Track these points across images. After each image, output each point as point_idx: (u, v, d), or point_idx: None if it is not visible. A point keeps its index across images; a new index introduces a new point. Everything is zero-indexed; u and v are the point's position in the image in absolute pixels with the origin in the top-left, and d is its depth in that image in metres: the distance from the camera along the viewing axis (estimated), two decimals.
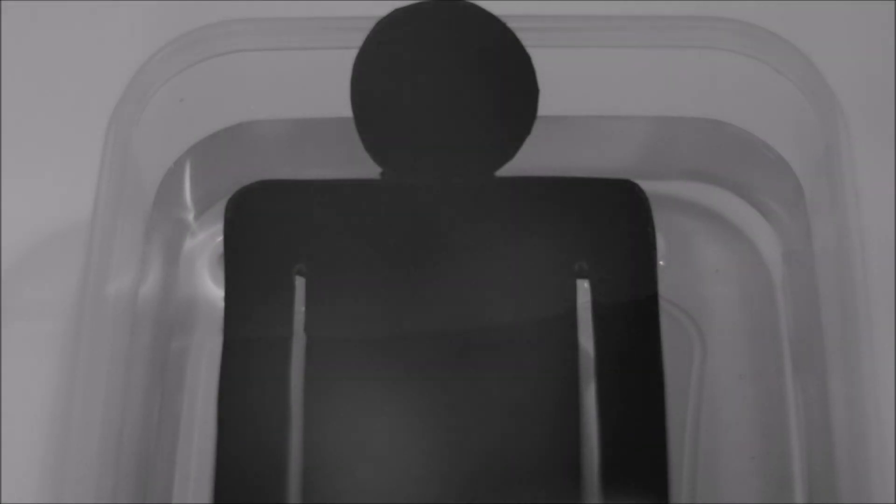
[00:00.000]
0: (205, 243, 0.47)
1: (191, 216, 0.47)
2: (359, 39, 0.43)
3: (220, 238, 0.45)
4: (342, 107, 0.44)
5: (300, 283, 0.44)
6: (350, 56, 0.43)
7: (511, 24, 0.43)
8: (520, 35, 0.43)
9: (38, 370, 0.45)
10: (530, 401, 0.42)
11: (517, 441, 0.42)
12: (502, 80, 0.44)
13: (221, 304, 0.44)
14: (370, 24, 0.43)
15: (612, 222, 0.44)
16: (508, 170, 0.44)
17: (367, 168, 0.44)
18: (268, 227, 0.44)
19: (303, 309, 0.44)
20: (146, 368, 0.44)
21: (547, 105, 0.44)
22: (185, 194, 0.47)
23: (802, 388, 0.44)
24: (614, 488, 0.42)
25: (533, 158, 0.44)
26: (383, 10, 0.43)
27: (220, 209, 0.45)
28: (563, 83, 0.44)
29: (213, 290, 0.46)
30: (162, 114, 0.44)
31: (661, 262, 0.45)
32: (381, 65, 0.43)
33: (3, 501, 0.44)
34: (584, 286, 0.44)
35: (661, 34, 0.44)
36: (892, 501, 0.39)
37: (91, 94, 0.49)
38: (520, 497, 0.41)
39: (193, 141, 0.46)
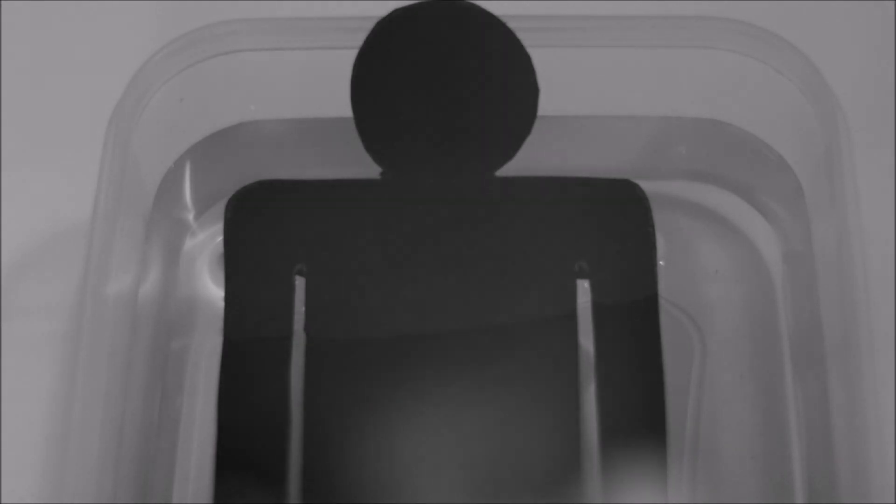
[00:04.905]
0: (205, 243, 0.47)
1: (191, 216, 0.47)
2: (359, 39, 0.43)
3: (220, 238, 0.45)
4: (342, 107, 0.44)
5: (300, 283, 0.44)
6: (350, 56, 0.43)
7: (511, 24, 0.43)
8: (520, 35, 0.43)
9: (39, 370, 0.45)
10: (530, 400, 0.42)
11: (517, 441, 0.42)
12: (502, 80, 0.44)
13: (221, 304, 0.44)
14: (370, 24, 0.43)
15: (612, 222, 0.44)
16: (508, 170, 0.44)
17: (367, 168, 0.44)
18: (268, 227, 0.44)
19: (303, 309, 0.44)
20: (146, 368, 0.44)
21: (547, 105, 0.44)
22: (185, 194, 0.47)
23: (802, 388, 0.44)
24: (614, 488, 0.42)
25: (533, 158, 0.44)
26: (383, 10, 0.43)
27: (220, 209, 0.45)
28: (563, 83, 0.44)
29: (213, 290, 0.46)
30: (162, 114, 0.44)
31: (661, 262, 0.45)
32: (381, 65, 0.43)
33: (3, 501, 0.44)
34: (584, 286, 0.44)
35: (661, 34, 0.44)
36: (893, 501, 0.39)
37: (91, 94, 0.49)
38: (520, 496, 0.41)
39: (193, 141, 0.46)
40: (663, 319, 0.43)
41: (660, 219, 0.45)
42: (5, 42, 0.51)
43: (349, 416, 0.42)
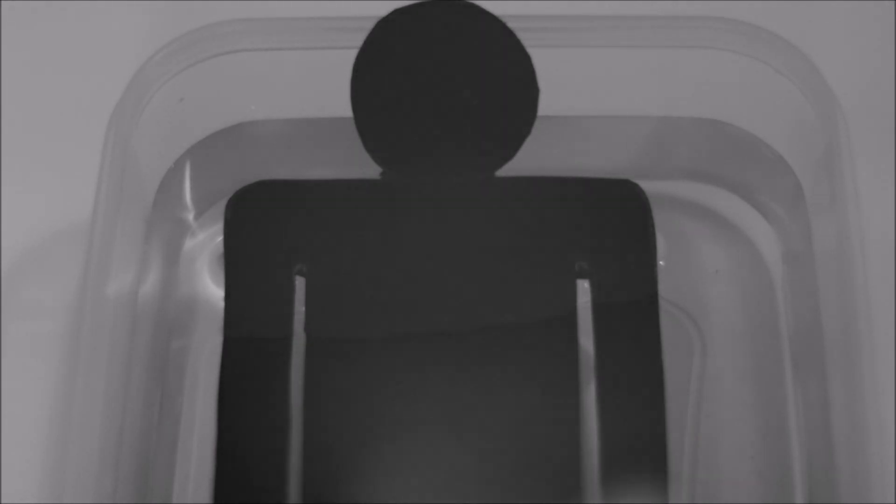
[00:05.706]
0: (205, 243, 0.47)
1: (191, 216, 0.47)
2: (359, 39, 0.43)
3: (220, 238, 0.45)
4: (342, 107, 0.44)
5: (300, 283, 0.44)
6: (350, 56, 0.43)
7: (511, 24, 0.43)
8: (520, 35, 0.43)
9: (39, 370, 0.45)
10: (530, 401, 0.42)
11: (517, 441, 0.42)
12: (502, 80, 0.44)
13: (221, 304, 0.44)
14: (370, 24, 0.43)
15: (612, 222, 0.44)
16: (508, 170, 0.44)
17: (367, 168, 0.44)
18: (268, 227, 0.44)
19: (303, 309, 0.44)
20: (146, 368, 0.44)
21: (547, 105, 0.44)
22: (185, 194, 0.47)
23: (802, 389, 0.44)
24: (614, 488, 0.42)
25: (533, 158, 0.44)
26: (383, 10, 0.43)
27: (220, 209, 0.45)
28: (563, 83, 0.44)
29: (213, 290, 0.46)
30: (162, 114, 0.44)
31: (661, 262, 0.45)
32: (381, 65, 0.43)
33: (3, 501, 0.44)
34: (584, 286, 0.44)
35: (661, 34, 0.44)
36: (892, 501, 0.39)
37: (91, 94, 0.49)
38: (520, 497, 0.41)
39: (193, 141, 0.46)
40: (663, 319, 0.43)
41: (660, 219, 0.45)
42: (5, 42, 0.51)
43: (349, 416, 0.42)
